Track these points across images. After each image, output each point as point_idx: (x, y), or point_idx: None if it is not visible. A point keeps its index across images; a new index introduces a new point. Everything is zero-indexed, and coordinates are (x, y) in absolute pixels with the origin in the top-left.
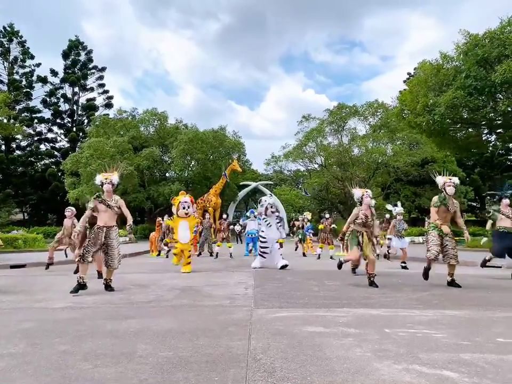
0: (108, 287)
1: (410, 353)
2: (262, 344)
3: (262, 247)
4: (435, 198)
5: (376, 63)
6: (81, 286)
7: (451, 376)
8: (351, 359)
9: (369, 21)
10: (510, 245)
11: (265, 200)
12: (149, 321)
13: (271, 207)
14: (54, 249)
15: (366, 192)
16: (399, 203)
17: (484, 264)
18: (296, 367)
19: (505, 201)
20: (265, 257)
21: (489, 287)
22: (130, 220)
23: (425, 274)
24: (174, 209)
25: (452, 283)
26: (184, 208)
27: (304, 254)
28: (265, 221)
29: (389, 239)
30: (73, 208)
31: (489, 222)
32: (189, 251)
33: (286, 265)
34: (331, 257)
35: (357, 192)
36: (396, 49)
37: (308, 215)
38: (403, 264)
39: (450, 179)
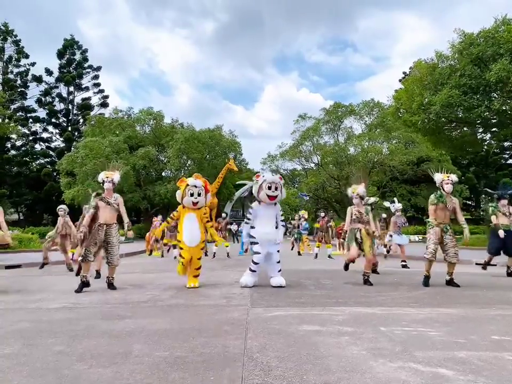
0: (111, 285)
1: (406, 351)
2: (258, 343)
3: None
4: (432, 196)
5: (370, 64)
6: (85, 284)
7: (446, 374)
8: (347, 357)
9: (363, 22)
10: (507, 243)
11: (263, 177)
12: (145, 321)
13: (271, 187)
14: (48, 249)
15: (354, 191)
16: (396, 199)
17: (485, 266)
18: (292, 366)
19: (503, 201)
20: (254, 270)
21: (484, 285)
22: (126, 218)
23: (426, 283)
24: (178, 195)
25: (451, 282)
26: (192, 194)
27: (299, 253)
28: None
29: (390, 235)
30: (65, 207)
31: (493, 217)
32: (199, 258)
33: (281, 286)
34: (329, 256)
35: (348, 192)
36: (389, 50)
37: (304, 213)
38: (403, 263)
39: (448, 177)
